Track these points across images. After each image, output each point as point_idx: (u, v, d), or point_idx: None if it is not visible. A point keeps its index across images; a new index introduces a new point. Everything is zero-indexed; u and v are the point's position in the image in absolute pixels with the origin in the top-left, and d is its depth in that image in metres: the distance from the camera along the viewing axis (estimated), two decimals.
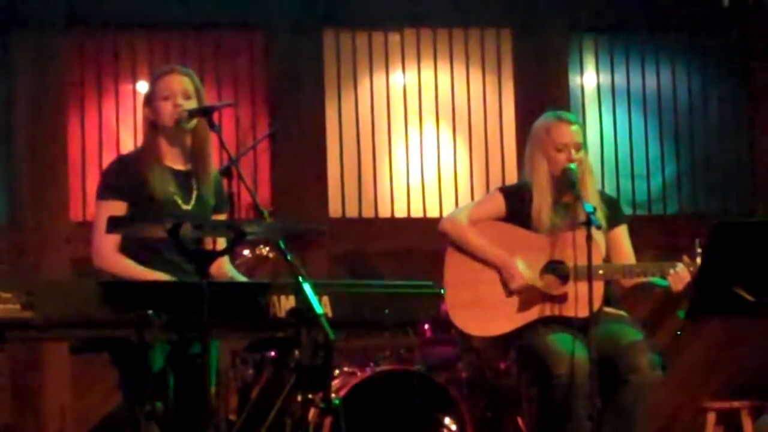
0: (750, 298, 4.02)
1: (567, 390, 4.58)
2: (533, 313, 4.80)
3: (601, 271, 4.69)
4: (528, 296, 4.80)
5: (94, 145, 7.16)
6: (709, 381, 7.33)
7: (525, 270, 4.79)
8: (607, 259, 4.91)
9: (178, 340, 3.68)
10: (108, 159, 6.82)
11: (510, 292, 4.83)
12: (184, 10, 7.16)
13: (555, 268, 4.83)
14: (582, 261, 4.60)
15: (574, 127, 4.90)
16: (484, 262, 4.87)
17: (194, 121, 4.20)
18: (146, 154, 4.24)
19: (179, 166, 4.27)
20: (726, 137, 7.78)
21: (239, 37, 7.36)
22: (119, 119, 7.18)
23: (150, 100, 4.25)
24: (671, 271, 4.67)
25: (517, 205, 4.92)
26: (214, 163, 4.33)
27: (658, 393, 4.72)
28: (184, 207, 4.22)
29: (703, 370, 7.38)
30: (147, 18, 7.14)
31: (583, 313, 4.65)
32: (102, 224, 3.70)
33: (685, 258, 4.67)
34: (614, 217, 4.97)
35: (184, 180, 4.25)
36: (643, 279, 4.85)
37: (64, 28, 7.07)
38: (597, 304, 4.64)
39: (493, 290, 4.84)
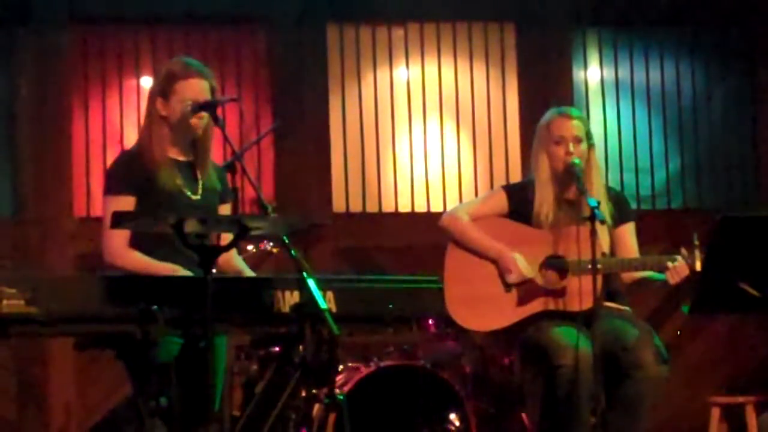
0: (755, 293, 4.00)
1: (571, 381, 4.59)
2: (532, 308, 4.81)
3: (599, 265, 4.69)
4: (527, 291, 4.81)
5: (98, 140, 7.16)
6: (713, 376, 7.32)
7: (523, 264, 4.79)
8: (611, 255, 4.91)
9: (187, 336, 3.68)
10: (112, 154, 6.86)
11: (509, 287, 4.83)
12: (187, 5, 7.16)
13: (554, 263, 4.83)
14: (584, 255, 4.61)
15: (574, 121, 4.91)
16: (483, 257, 4.88)
17: (204, 117, 4.20)
18: (151, 146, 4.25)
19: (182, 157, 4.28)
20: (729, 132, 7.78)
21: (242, 32, 7.36)
22: (123, 115, 7.19)
23: (166, 95, 4.24)
24: (669, 264, 4.68)
25: (519, 203, 4.93)
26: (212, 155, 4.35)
27: (663, 388, 4.72)
28: (193, 197, 4.23)
29: (707, 365, 7.38)
30: (150, 13, 7.14)
31: (583, 305, 4.66)
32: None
33: (683, 251, 4.67)
34: (621, 214, 4.97)
35: (189, 170, 4.27)
36: (641, 275, 4.87)
37: (67, 24, 7.07)
38: (593, 299, 4.64)
39: (491, 285, 4.85)
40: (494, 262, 4.87)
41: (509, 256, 4.81)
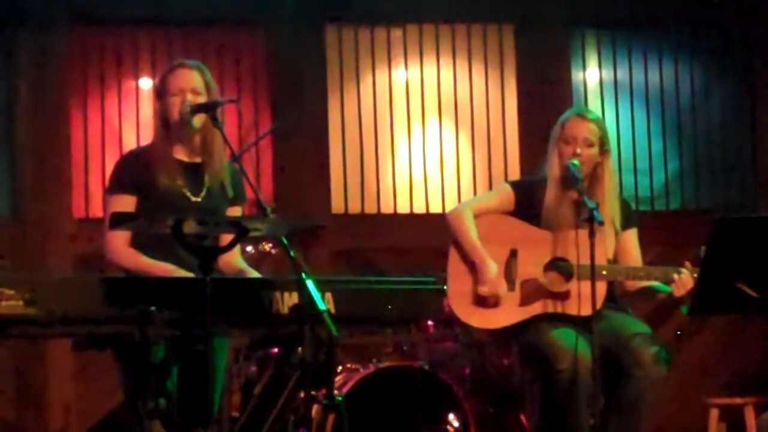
0: (753, 294, 4.01)
1: (569, 385, 4.59)
2: (535, 309, 4.81)
3: (604, 272, 4.69)
4: (530, 291, 4.81)
5: (96, 141, 7.15)
6: (712, 377, 7.32)
7: (497, 277, 4.76)
8: (614, 260, 4.90)
9: (180, 336, 3.68)
10: (111, 155, 6.87)
11: (513, 286, 4.83)
12: (186, 7, 7.15)
13: (559, 266, 4.83)
14: (586, 259, 4.61)
15: (589, 124, 4.86)
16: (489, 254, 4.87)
17: (200, 119, 4.20)
18: (155, 147, 4.27)
19: (188, 159, 4.28)
20: (728, 133, 7.78)
21: (241, 34, 7.36)
22: (122, 116, 7.18)
23: (161, 95, 4.28)
24: (675, 276, 4.67)
25: (526, 200, 4.92)
26: (223, 154, 4.33)
27: (661, 388, 4.72)
28: (194, 199, 4.24)
29: (705, 366, 7.38)
30: (149, 15, 7.13)
31: (585, 311, 4.65)
32: None
33: (688, 264, 4.67)
34: (626, 220, 4.96)
35: (193, 172, 4.27)
36: (645, 283, 4.86)
37: (67, 25, 7.07)
38: (600, 303, 4.63)
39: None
40: (499, 263, 4.86)
41: (487, 267, 4.78)
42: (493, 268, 4.77)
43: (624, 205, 5.07)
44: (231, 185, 4.33)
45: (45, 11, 7.00)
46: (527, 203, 4.91)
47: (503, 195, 5.00)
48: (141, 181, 4.20)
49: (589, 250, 4.50)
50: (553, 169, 4.89)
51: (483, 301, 4.82)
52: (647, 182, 7.69)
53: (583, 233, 4.60)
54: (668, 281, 4.70)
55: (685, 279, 4.65)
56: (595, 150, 4.87)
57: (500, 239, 4.87)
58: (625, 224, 4.96)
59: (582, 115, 4.92)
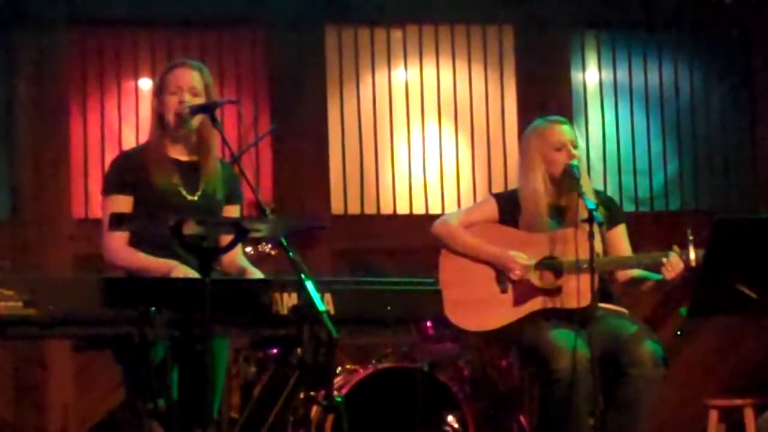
0: (752, 295, 4.01)
1: (568, 385, 4.61)
2: (529, 307, 4.84)
3: (594, 264, 4.71)
4: (523, 291, 4.84)
5: (96, 141, 7.16)
6: (711, 378, 7.32)
7: (524, 259, 4.82)
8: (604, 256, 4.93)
9: (179, 336, 3.69)
10: (110, 156, 6.85)
11: (505, 288, 4.86)
12: (185, 6, 7.15)
13: (549, 264, 4.86)
14: (581, 255, 4.64)
15: (566, 127, 5.00)
16: (478, 260, 4.91)
17: (198, 119, 4.20)
18: (150, 146, 4.27)
19: (184, 158, 4.28)
20: (728, 134, 7.78)
21: (241, 34, 7.36)
22: (121, 116, 7.18)
23: (159, 92, 4.28)
24: (663, 260, 4.70)
25: (509, 211, 4.99)
26: (218, 154, 4.34)
27: (661, 389, 4.73)
28: (189, 198, 4.23)
29: (705, 367, 7.38)
30: (148, 14, 7.13)
31: (580, 303, 4.67)
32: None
33: (676, 248, 4.71)
34: (613, 217, 5.00)
35: (189, 171, 4.27)
36: (634, 273, 4.89)
37: (66, 25, 7.07)
38: (591, 296, 4.65)
39: (487, 287, 4.89)
40: (491, 264, 4.90)
41: (507, 255, 4.85)
42: (511, 253, 4.81)
43: (610, 202, 5.12)
44: (223, 183, 4.32)
45: (45, 11, 7.00)
46: (511, 214, 4.97)
47: (486, 206, 5.07)
48: (136, 181, 4.20)
49: (582, 247, 4.55)
50: (536, 180, 4.94)
51: (483, 300, 4.85)
52: (647, 183, 7.69)
53: (578, 232, 4.64)
54: (657, 266, 4.72)
55: (674, 261, 4.69)
56: (578, 150, 4.94)
57: (490, 244, 4.92)
58: (611, 222, 4.99)
59: (559, 121, 5.03)
